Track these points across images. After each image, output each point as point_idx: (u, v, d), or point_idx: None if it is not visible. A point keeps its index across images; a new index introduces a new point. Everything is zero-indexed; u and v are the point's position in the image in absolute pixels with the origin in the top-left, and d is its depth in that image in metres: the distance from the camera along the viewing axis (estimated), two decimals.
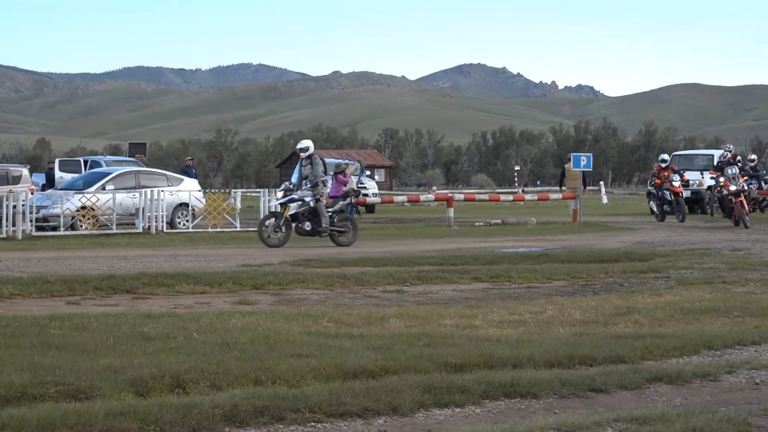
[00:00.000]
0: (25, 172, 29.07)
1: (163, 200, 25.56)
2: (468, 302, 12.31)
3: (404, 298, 12.89)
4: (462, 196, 35.38)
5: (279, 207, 21.47)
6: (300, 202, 21.21)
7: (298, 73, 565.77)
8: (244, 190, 45.04)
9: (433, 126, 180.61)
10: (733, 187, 26.40)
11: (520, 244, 21.30)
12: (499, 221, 30.61)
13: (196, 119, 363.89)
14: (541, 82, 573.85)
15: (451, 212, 29.34)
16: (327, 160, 43.46)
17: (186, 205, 26.68)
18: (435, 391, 6.63)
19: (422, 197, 37.63)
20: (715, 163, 31.72)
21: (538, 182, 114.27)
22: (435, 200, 36.41)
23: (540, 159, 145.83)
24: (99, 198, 25.02)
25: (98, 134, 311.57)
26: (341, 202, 22.02)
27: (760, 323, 10.00)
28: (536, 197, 32.27)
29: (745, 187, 27.60)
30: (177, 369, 7.08)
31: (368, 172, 48.47)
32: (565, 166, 32.44)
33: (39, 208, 24.53)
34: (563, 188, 32.50)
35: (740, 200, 26.41)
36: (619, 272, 15.37)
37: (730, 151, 30.14)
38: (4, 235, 23.22)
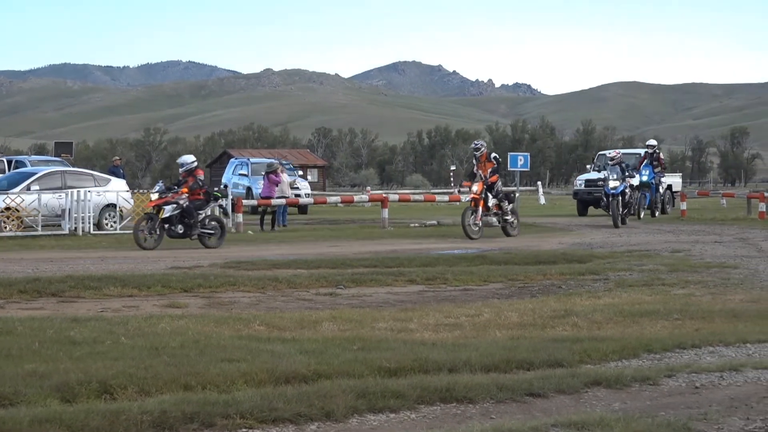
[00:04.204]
0: None
1: (90, 201, 25.14)
2: (403, 305, 12.24)
3: (338, 300, 12.78)
4: (397, 197, 35.34)
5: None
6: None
7: (228, 70, 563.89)
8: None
9: (367, 125, 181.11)
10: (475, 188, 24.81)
11: (456, 246, 21.29)
12: (435, 222, 30.60)
13: (123, 118, 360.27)
14: (477, 80, 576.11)
15: (386, 213, 29.26)
16: (258, 160, 43.53)
17: (114, 205, 26.27)
18: (369, 396, 6.56)
19: (356, 198, 37.40)
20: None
21: None
22: (369, 201, 36.25)
23: None
24: (24, 199, 24.51)
25: (23, 133, 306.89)
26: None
27: (701, 326, 10.04)
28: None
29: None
30: (104, 374, 6.98)
31: (301, 172, 48.30)
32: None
33: None
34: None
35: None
36: (557, 274, 15.36)
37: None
38: None
